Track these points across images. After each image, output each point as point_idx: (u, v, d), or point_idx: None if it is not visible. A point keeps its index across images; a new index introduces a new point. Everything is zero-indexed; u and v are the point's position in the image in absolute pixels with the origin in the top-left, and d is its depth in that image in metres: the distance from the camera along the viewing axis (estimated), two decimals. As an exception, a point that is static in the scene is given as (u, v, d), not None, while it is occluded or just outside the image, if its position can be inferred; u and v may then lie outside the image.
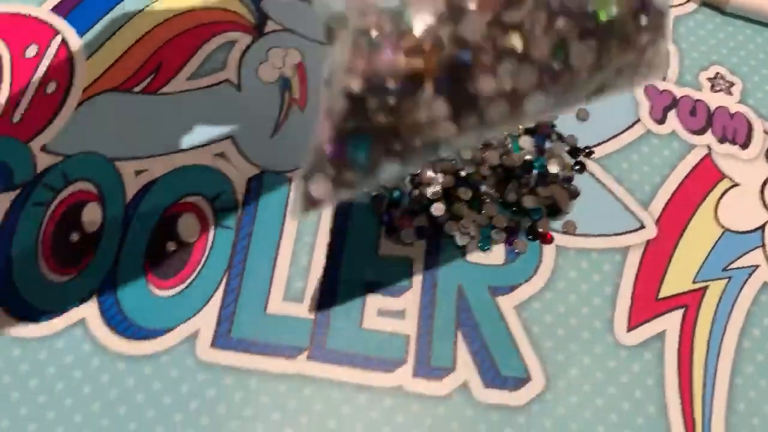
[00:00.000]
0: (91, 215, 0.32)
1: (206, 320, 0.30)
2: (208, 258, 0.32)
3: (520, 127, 0.35)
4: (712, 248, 0.33)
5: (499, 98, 0.21)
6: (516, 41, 0.21)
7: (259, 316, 0.31)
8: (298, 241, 0.32)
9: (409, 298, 0.31)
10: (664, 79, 0.38)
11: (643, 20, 0.23)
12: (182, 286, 0.31)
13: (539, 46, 0.21)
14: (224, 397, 0.29)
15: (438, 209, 0.33)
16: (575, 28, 0.21)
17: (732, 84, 0.38)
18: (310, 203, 0.23)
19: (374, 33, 0.21)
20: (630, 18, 0.22)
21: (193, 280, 0.31)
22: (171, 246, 0.32)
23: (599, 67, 0.22)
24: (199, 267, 0.31)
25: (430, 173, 0.34)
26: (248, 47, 0.38)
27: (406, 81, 0.20)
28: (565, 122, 0.36)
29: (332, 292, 0.31)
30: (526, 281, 0.32)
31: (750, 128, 0.37)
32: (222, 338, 0.30)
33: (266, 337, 0.30)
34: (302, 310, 0.31)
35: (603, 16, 0.21)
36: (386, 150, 0.21)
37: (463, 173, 0.34)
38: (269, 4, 0.39)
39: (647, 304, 0.32)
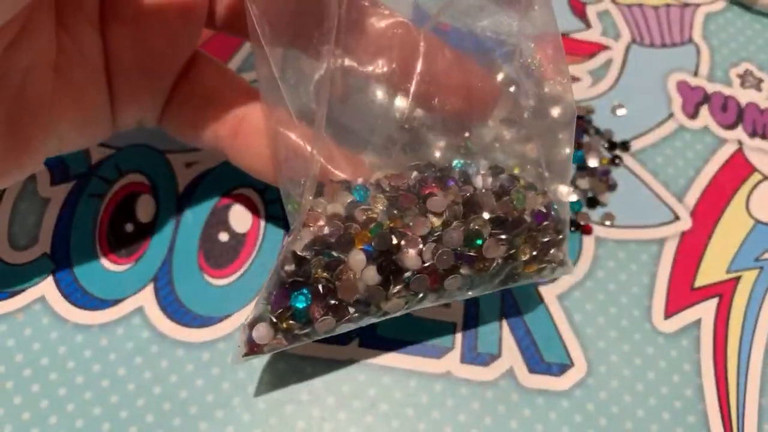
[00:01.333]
0: (145, 206, 0.34)
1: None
2: (260, 248, 0.33)
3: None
4: (745, 239, 0.35)
5: (420, 273, 0.25)
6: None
7: (311, 304, 0.32)
8: (347, 232, 0.33)
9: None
10: (695, 75, 0.39)
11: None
12: (236, 275, 0.32)
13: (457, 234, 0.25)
14: (282, 388, 0.30)
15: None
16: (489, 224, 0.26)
17: (761, 80, 0.39)
18: (250, 349, 0.25)
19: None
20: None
21: (247, 269, 0.32)
22: (224, 236, 0.33)
23: (509, 259, 0.26)
24: (252, 257, 0.33)
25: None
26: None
27: (342, 243, 0.24)
28: (601, 116, 0.37)
29: (381, 281, 0.32)
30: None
31: (779, 123, 0.38)
32: (276, 325, 0.31)
33: (319, 324, 0.31)
34: (352, 298, 0.32)
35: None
36: (324, 305, 0.25)
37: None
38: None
39: (683, 293, 0.33)
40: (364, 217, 0.25)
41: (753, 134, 0.38)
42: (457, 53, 0.28)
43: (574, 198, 0.34)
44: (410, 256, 0.25)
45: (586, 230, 0.34)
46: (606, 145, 0.36)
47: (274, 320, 0.25)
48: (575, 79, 0.39)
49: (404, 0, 0.29)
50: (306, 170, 0.25)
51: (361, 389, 0.30)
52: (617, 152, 0.36)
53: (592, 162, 0.35)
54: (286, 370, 0.30)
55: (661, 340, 0.32)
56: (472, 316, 0.32)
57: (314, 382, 0.30)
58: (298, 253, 0.25)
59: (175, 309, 0.31)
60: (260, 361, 0.30)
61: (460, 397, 0.30)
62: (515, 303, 0.32)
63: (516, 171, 0.29)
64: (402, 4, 0.29)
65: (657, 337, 0.32)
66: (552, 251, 0.28)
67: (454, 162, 0.28)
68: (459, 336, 0.31)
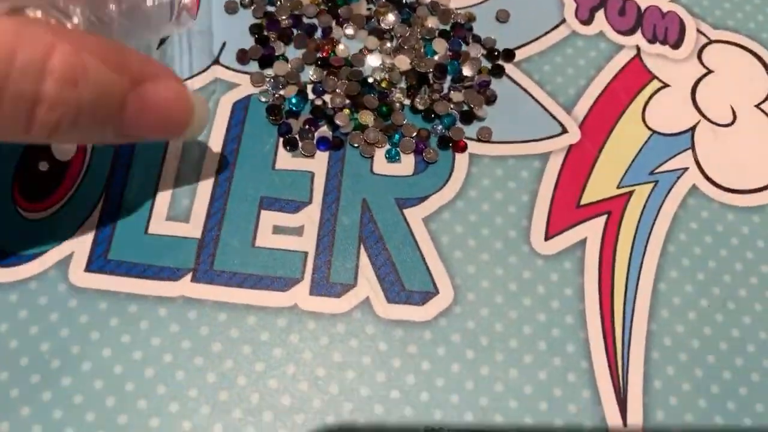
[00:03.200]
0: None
1: (81, 243, 0.27)
2: (84, 177, 0.29)
3: (434, 27, 0.33)
4: (639, 152, 0.31)
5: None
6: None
7: (140, 236, 0.28)
8: (186, 155, 0.29)
9: (309, 214, 0.29)
10: (591, -22, 0.35)
11: None
12: (54, 209, 0.28)
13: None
14: (98, 324, 0.26)
15: (342, 118, 0.30)
16: None
17: (664, -18, 0.36)
18: None
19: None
20: None
21: (68, 200, 0.28)
22: (43, 165, 0.29)
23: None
24: (75, 186, 0.28)
25: (332, 80, 0.31)
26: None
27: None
28: (484, 24, 0.34)
29: (222, 210, 0.28)
30: (437, 191, 0.29)
31: (682, 28, 0.34)
32: (98, 261, 0.27)
33: (147, 258, 0.27)
34: (188, 229, 0.28)
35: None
36: None
37: (370, 79, 0.31)
38: None
39: (567, 211, 0.29)
40: None
41: (653, 40, 0.34)
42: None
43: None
44: None
45: (459, 147, 0.30)
46: (487, 55, 0.33)
47: None
48: (456, -15, 0.35)
49: None
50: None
51: (192, 329, 0.26)
52: (499, 62, 0.32)
53: (468, 71, 0.31)
54: (107, 309, 0.26)
55: (540, 263, 0.28)
56: (326, 245, 0.28)
57: (138, 323, 0.26)
58: None
59: (-17, 248, 0.27)
60: (77, 302, 0.26)
61: (307, 332, 0.26)
62: (376, 228, 0.28)
63: None
64: None
65: (535, 260, 0.28)
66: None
67: None
68: (310, 267, 0.28)
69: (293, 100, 0.30)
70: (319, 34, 0.32)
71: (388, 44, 0.32)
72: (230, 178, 0.29)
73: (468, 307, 0.27)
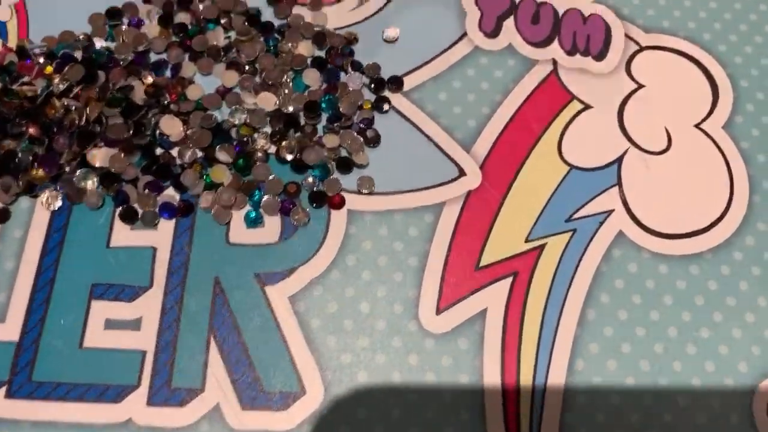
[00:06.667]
0: None
1: None
2: None
3: (306, 54, 0.27)
4: (554, 193, 0.26)
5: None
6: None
7: (-56, 344, 0.23)
8: (3, 240, 0.24)
9: (149, 302, 0.24)
10: (500, -21, 0.30)
11: None
12: None
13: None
14: None
15: (189, 177, 0.25)
16: None
17: (587, -22, 0.30)
18: None
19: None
20: None
21: None
22: None
23: None
24: None
25: (181, 129, 0.26)
26: (-47, -13, 0.29)
27: None
28: (369, 46, 0.28)
29: (45, 304, 0.24)
30: (306, 262, 0.24)
31: (608, 33, 0.29)
32: None
33: (-48, 372, 0.23)
34: (3, 331, 0.23)
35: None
36: None
37: (226, 126, 0.26)
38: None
39: (464, 276, 0.24)
40: None
41: (572, 51, 0.28)
42: None
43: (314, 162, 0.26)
44: None
45: (335, 203, 0.25)
46: (370, 84, 0.27)
47: None
48: (336, 0, 0.29)
49: None
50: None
51: (1, 459, 0.22)
52: (385, 93, 0.27)
53: (346, 109, 0.26)
54: None
55: (430, 345, 0.23)
56: (169, 340, 0.23)
57: (-61, 455, 0.22)
58: None
59: None
60: None
61: (141, 456, 0.22)
62: (230, 314, 0.24)
63: None
64: None
65: (424, 341, 0.24)
66: None
67: None
68: (148, 369, 0.23)
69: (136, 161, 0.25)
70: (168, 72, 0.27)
71: (250, 80, 0.27)
72: (56, 262, 0.24)
73: (342, 408, 0.22)
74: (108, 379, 0.22)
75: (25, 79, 0.26)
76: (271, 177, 0.25)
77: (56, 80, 0.25)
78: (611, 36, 0.29)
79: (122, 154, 0.25)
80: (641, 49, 0.28)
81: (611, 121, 0.27)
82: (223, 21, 0.28)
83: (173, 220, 0.25)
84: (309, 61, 0.27)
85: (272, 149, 0.26)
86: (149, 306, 0.24)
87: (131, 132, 0.25)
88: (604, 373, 0.23)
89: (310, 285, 0.24)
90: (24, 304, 0.23)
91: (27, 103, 0.25)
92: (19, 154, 0.25)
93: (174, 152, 0.25)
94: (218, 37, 0.27)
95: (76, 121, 0.25)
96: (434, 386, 0.23)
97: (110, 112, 0.25)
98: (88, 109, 0.25)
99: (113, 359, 0.23)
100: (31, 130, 0.25)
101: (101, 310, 0.23)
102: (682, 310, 0.24)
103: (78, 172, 0.25)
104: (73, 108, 0.25)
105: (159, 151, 0.25)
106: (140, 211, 0.25)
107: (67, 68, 0.26)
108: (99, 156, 0.25)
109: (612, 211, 0.26)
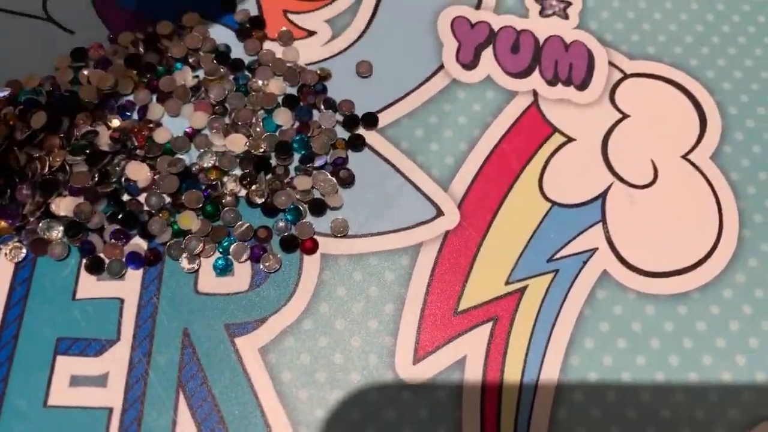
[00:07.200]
0: None
1: None
2: None
3: (276, 93, 0.27)
4: (534, 232, 0.25)
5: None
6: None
7: None
8: (-36, 293, 0.24)
9: (116, 356, 0.23)
10: (478, 6, 0.29)
11: None
12: None
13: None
14: None
15: (156, 225, 0.24)
16: None
17: (568, 4, 0.29)
18: None
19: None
20: None
21: None
22: None
23: None
24: None
25: (148, 174, 0.25)
26: None
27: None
28: (341, 83, 0.27)
29: (8, 360, 0.23)
30: (277, 311, 0.24)
31: (591, 61, 0.28)
32: None
33: None
34: (-35, 390, 0.23)
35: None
36: None
37: (195, 169, 0.25)
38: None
39: (443, 322, 0.23)
40: None
41: (553, 81, 0.27)
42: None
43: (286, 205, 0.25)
44: None
45: (307, 248, 0.24)
46: (343, 122, 0.26)
47: None
48: (308, 34, 0.29)
49: None
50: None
51: None
52: (359, 130, 0.26)
53: (319, 148, 0.25)
54: None
55: (407, 396, 0.23)
56: (136, 396, 0.22)
57: None
58: None
59: None
60: None
61: None
62: (200, 368, 0.23)
63: None
64: None
65: (401, 393, 0.23)
66: None
67: None
68: (115, 427, 0.22)
69: (105, 210, 0.24)
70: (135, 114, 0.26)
71: (220, 121, 0.26)
72: (20, 316, 0.24)
73: (313, 466, 0.22)
74: (72, 440, 0.22)
75: (-14, 126, 0.25)
76: (240, 222, 0.25)
77: (19, 128, 0.25)
78: (594, 64, 0.28)
79: (87, 203, 0.24)
80: (626, 76, 0.27)
81: (595, 153, 0.26)
82: (191, 59, 0.27)
83: (140, 270, 0.24)
84: (280, 99, 0.27)
85: (242, 192, 0.25)
86: (116, 360, 0.23)
87: (96, 180, 0.24)
88: (587, 423, 0.22)
89: (282, 335, 0.23)
90: (-14, 360, 0.23)
91: (-12, 153, 0.24)
92: (-19, 205, 0.24)
93: (141, 198, 0.25)
94: (186, 77, 0.27)
95: (39, 170, 0.24)
96: (411, 441, 0.22)
97: (74, 160, 0.25)
98: (51, 157, 0.24)
99: (78, 418, 0.22)
100: (-7, 180, 0.24)
101: (66, 365, 0.23)
102: (668, 353, 0.23)
103: (42, 222, 0.24)
104: (36, 156, 0.24)
105: (125, 197, 0.25)
106: (107, 261, 0.24)
107: (29, 115, 0.25)
108: (63, 205, 0.24)
109: (596, 249, 0.25)
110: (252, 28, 0.28)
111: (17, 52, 0.27)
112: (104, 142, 0.25)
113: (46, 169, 0.24)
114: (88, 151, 0.24)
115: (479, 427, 0.22)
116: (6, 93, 0.26)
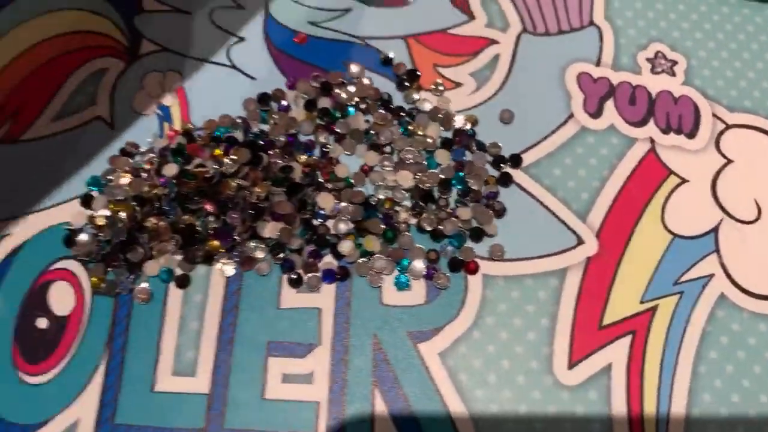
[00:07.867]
0: (-52, 295, 0.28)
1: (86, 407, 0.26)
2: (85, 332, 0.28)
3: (436, 138, 0.31)
4: (661, 259, 0.29)
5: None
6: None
7: (146, 395, 0.27)
8: (186, 303, 0.28)
9: (318, 358, 0.27)
10: (597, 63, 0.34)
11: None
12: (57, 369, 0.27)
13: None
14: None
15: (346, 247, 0.29)
16: None
17: (675, 63, 0.34)
18: None
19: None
20: None
21: (70, 360, 0.27)
22: (42, 322, 0.28)
23: None
24: (76, 344, 0.27)
25: (333, 203, 0.29)
26: (121, 74, 0.33)
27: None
28: (488, 128, 0.32)
29: (229, 360, 0.27)
30: (450, 322, 0.28)
31: (697, 113, 0.33)
32: (105, 426, 0.26)
33: (156, 419, 0.26)
34: (195, 384, 0.27)
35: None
36: None
37: (373, 201, 0.30)
38: (143, 20, 0.34)
39: (590, 334, 0.28)
40: None
41: (666, 129, 0.32)
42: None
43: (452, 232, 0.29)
44: None
45: (470, 269, 0.29)
46: (492, 162, 0.31)
47: None
48: (455, 85, 0.33)
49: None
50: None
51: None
52: (506, 169, 0.31)
53: (474, 184, 0.30)
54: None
55: (566, 396, 0.27)
56: (339, 392, 0.27)
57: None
58: None
59: (-15, 419, 0.26)
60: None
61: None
62: (390, 369, 0.27)
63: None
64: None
65: (560, 392, 0.27)
66: None
67: None
68: (323, 418, 0.26)
69: (301, 233, 0.29)
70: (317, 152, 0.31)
71: (389, 159, 0.31)
72: (232, 324, 0.28)
73: (492, 452, 0.26)
74: (288, 428, 0.26)
75: (197, 161, 0.30)
76: (414, 245, 0.29)
77: (226, 162, 0.29)
78: (700, 115, 0.32)
79: (288, 227, 0.28)
80: (727, 127, 0.32)
81: (705, 193, 0.31)
82: (361, 105, 0.32)
83: (333, 284, 0.28)
84: (439, 143, 0.31)
85: (412, 221, 0.30)
86: (319, 361, 0.27)
87: (295, 207, 0.29)
88: (716, 420, 0.26)
89: (456, 343, 0.28)
90: (211, 360, 0.27)
91: (203, 183, 0.29)
92: (198, 228, 0.28)
93: (329, 224, 0.29)
94: (359, 121, 0.31)
95: (247, 199, 0.29)
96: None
97: (275, 190, 0.29)
98: (257, 188, 0.29)
99: (292, 409, 0.26)
100: (208, 207, 0.29)
101: (278, 365, 0.27)
102: (781, 364, 0.28)
103: (249, 242, 0.29)
104: (244, 187, 0.29)
105: (315, 222, 0.29)
106: (305, 277, 0.28)
107: (233, 151, 0.29)
108: (268, 229, 0.29)
109: (713, 275, 0.29)
110: (410, 80, 0.33)
111: (209, 97, 0.32)
112: (297, 175, 0.30)
113: (253, 197, 0.29)
114: (287, 184, 0.29)
115: (627, 424, 0.26)
116: (204, 130, 0.30)
